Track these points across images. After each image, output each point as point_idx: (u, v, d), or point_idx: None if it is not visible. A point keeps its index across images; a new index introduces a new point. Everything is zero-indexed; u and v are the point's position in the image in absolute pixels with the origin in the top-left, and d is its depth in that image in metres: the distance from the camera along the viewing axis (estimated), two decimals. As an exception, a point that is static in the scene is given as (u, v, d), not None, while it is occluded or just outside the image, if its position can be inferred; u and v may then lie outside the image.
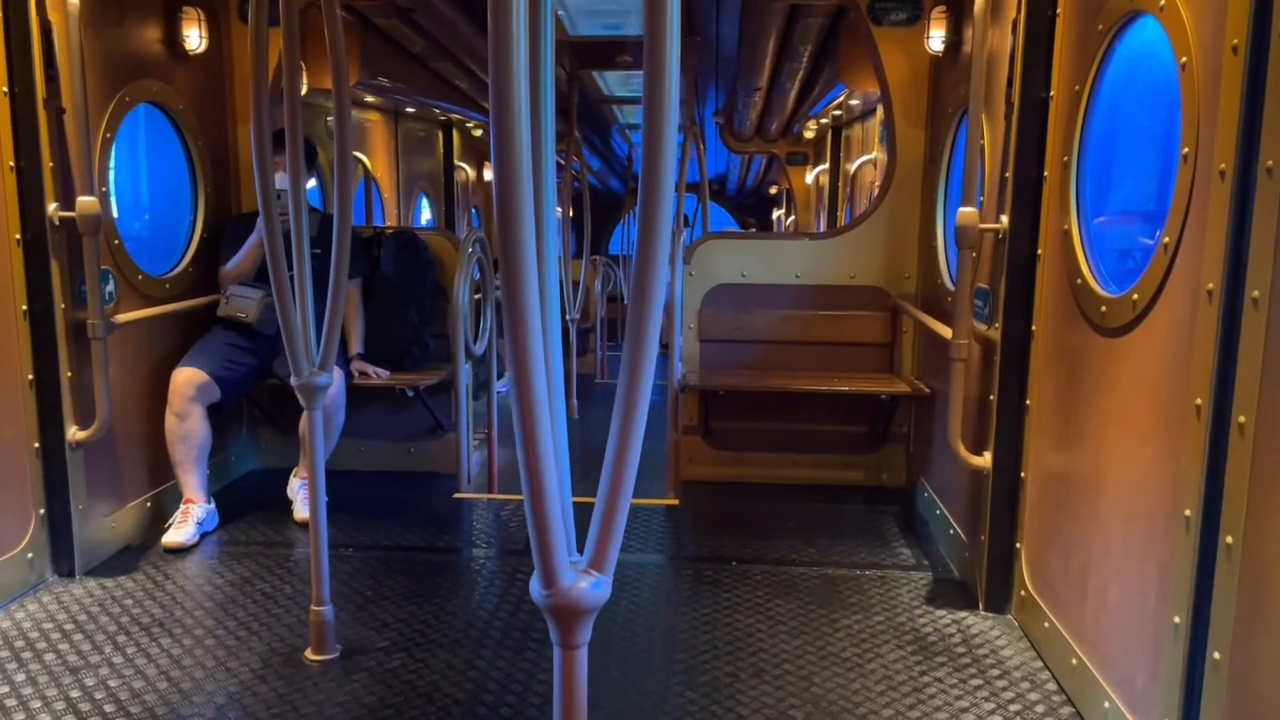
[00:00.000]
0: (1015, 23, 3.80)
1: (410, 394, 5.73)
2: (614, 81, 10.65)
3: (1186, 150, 2.58)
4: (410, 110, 11.31)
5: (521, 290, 1.24)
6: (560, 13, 7.36)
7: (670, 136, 1.21)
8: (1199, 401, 2.41)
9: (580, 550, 1.52)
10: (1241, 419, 2.25)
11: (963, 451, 4.11)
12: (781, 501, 5.69)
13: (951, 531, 4.69)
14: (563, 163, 9.93)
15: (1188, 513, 2.43)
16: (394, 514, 5.37)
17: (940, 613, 4.08)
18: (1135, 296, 2.87)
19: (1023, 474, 3.87)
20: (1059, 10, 3.60)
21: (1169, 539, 2.55)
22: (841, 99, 9.69)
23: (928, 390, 5.39)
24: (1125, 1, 2.99)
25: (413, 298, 5.80)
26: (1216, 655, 2.31)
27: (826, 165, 12.28)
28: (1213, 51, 2.45)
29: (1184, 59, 2.61)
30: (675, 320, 5.62)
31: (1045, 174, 3.66)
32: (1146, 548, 2.74)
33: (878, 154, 9.34)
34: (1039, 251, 3.72)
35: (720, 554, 4.78)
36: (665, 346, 5.55)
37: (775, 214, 20.48)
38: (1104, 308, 3.09)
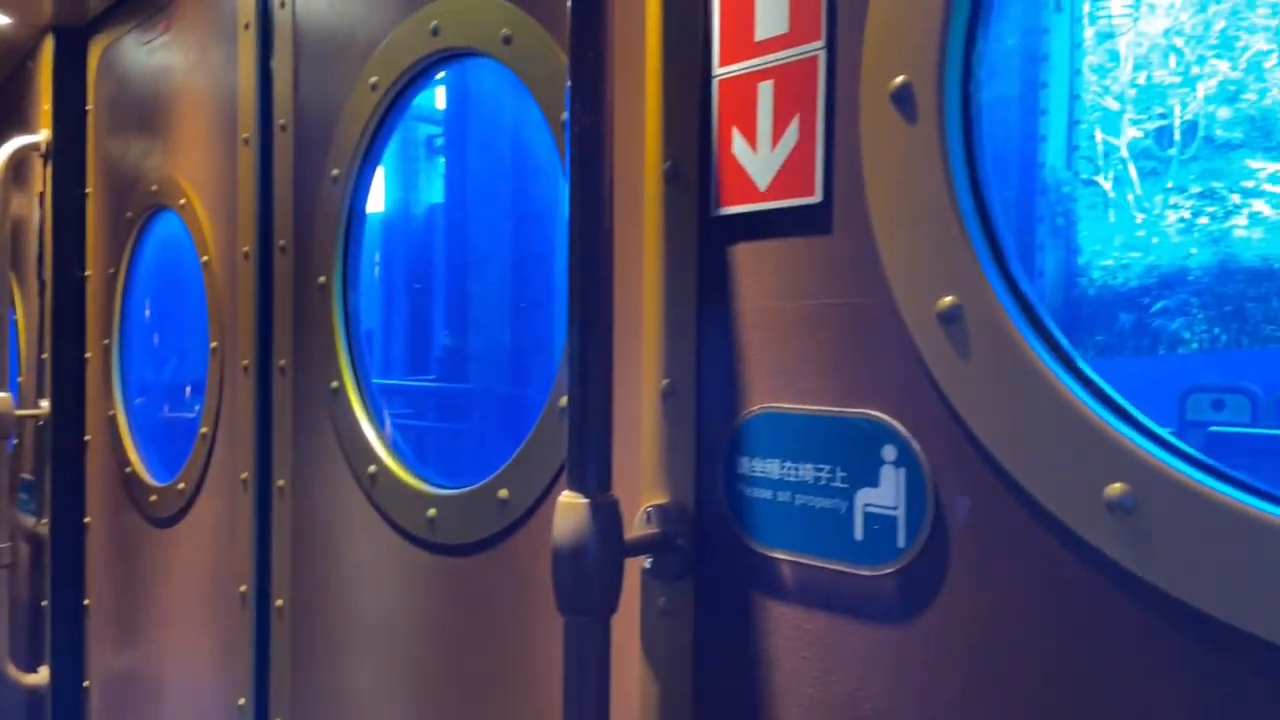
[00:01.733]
0: (42, 196, 3.56)
1: None
2: None
3: (215, 344, 2.69)
4: None
5: None
6: None
7: None
8: (244, 588, 2.47)
9: None
10: (279, 602, 2.37)
11: (12, 670, 3.52)
12: None
13: (9, 769, 3.95)
14: None
15: (241, 701, 2.44)
16: None
17: None
18: (181, 486, 2.85)
19: (86, 683, 3.48)
20: (89, 190, 3.49)
21: (230, 732, 2.53)
22: None
23: (-29, 600, 4.53)
24: (149, 194, 3.04)
25: None
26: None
27: None
28: (229, 254, 2.62)
29: (205, 258, 2.74)
30: None
31: (88, 355, 3.45)
32: (212, 744, 2.68)
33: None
34: (87, 438, 3.47)
35: None
36: None
37: None
38: (154, 497, 3.00)
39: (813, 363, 1.23)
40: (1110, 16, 9.92)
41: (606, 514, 1.25)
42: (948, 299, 1.07)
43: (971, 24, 1.08)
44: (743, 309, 1.31)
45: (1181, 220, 12.07)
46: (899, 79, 1.11)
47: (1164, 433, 0.96)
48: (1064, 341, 1.03)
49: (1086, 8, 9.99)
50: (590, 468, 1.26)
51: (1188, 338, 10.67)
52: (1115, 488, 0.95)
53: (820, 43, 1.19)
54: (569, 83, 1.26)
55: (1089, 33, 10.57)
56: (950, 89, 1.07)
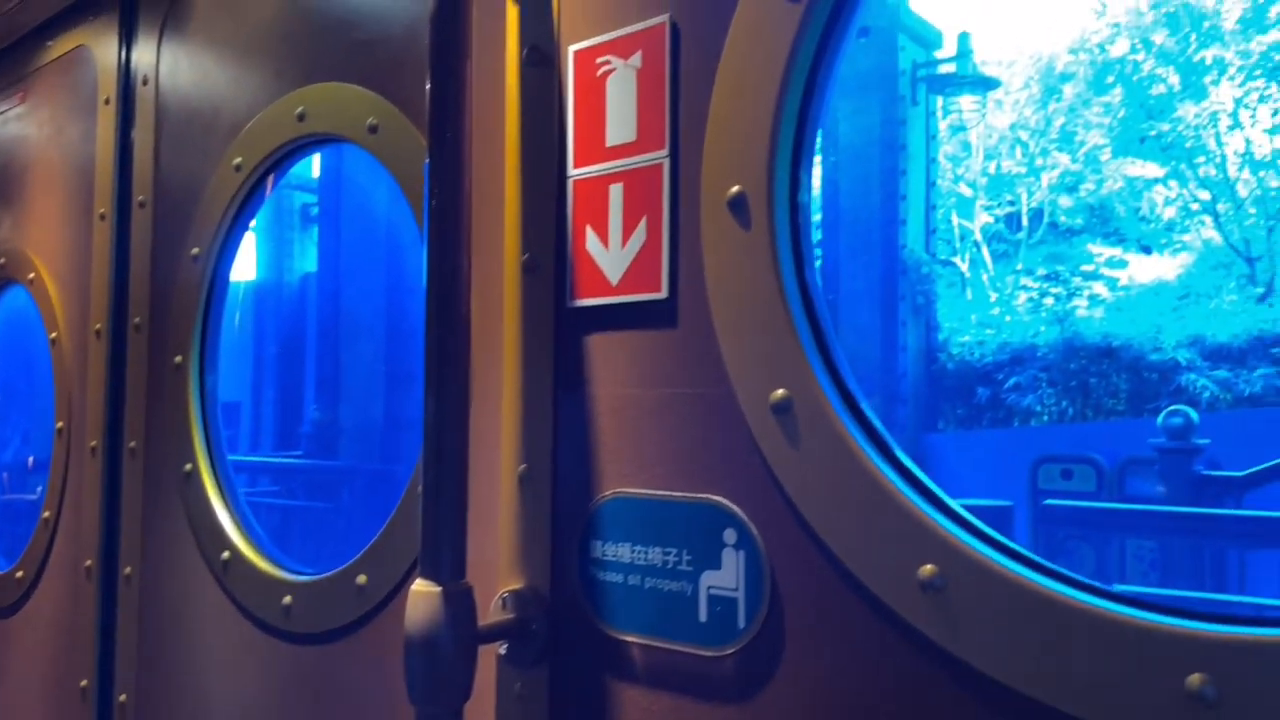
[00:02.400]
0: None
1: None
2: None
3: (61, 424, 2.58)
4: None
5: None
6: None
7: None
8: (85, 683, 2.34)
9: None
10: (123, 697, 2.25)
11: None
12: None
13: None
14: None
15: (78, 809, 2.29)
16: None
17: None
18: (20, 574, 2.68)
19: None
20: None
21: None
22: None
23: None
24: (-6, 267, 2.91)
25: None
26: None
27: None
28: (80, 331, 2.53)
29: (54, 334, 2.64)
30: None
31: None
32: None
33: None
34: (-87, 523, 3.23)
35: None
36: None
37: None
38: (-12, 587, 2.81)
39: (661, 449, 1.28)
40: (961, 111, 10.67)
41: (459, 602, 1.27)
42: (780, 391, 1.15)
43: (798, 140, 1.18)
44: (596, 396, 1.36)
45: (1030, 300, 12.90)
46: (735, 188, 1.20)
47: (969, 516, 1.05)
48: (883, 430, 1.12)
49: (940, 101, 10.75)
50: (443, 555, 1.28)
51: (1039, 410, 11.35)
52: (927, 569, 1.02)
53: (664, 151, 1.28)
54: (426, 172, 1.31)
55: (943, 125, 11.34)
56: (779, 198, 1.17)
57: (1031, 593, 0.97)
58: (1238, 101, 13.69)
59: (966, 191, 15.08)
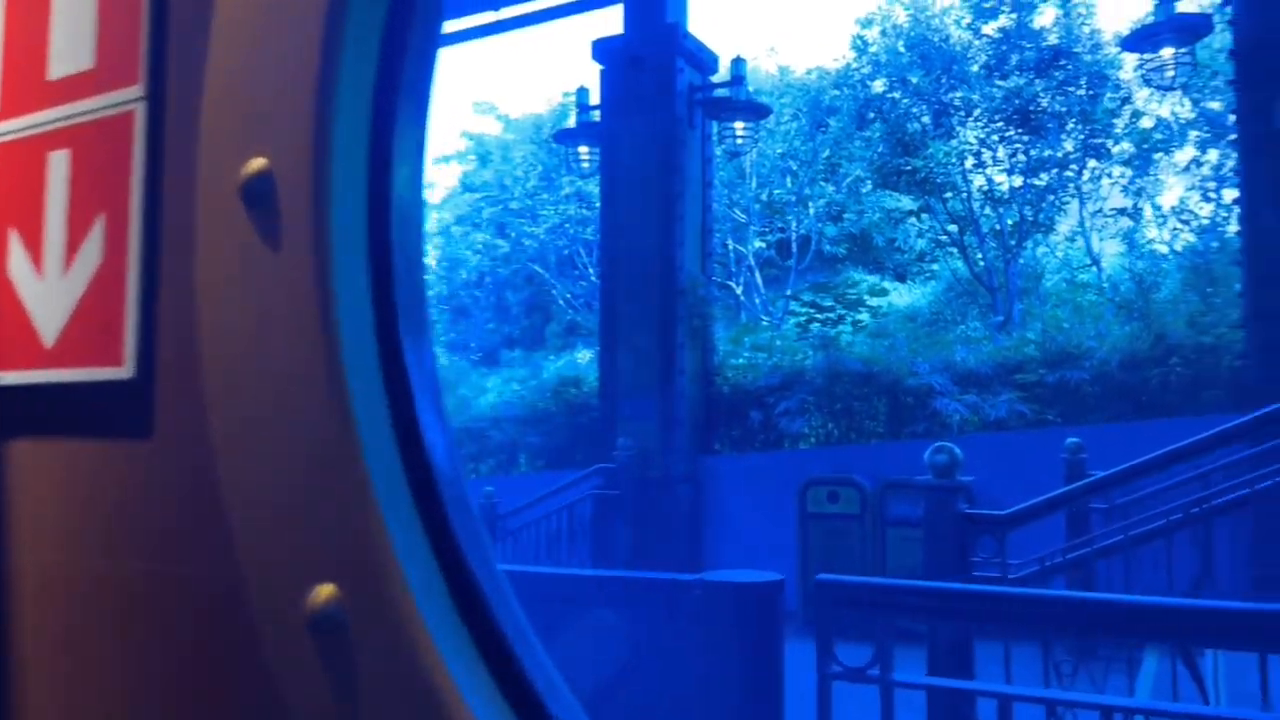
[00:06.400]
0: None
1: None
2: None
3: None
4: None
5: None
6: None
7: None
8: None
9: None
10: None
11: None
12: None
13: None
14: None
15: None
16: None
17: None
18: None
19: None
20: None
21: None
22: None
23: None
24: None
25: None
26: None
27: None
28: None
29: None
30: None
31: None
32: None
33: None
34: None
35: None
36: None
37: None
38: None
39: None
40: (735, 136, 10.60)
41: None
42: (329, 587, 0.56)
43: (386, 74, 0.60)
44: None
45: (798, 325, 13.12)
46: (258, 161, 0.60)
47: None
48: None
49: (715, 128, 10.65)
50: None
51: (807, 433, 11.46)
52: None
53: (138, 89, 0.66)
54: None
55: (718, 150, 11.27)
56: (339, 185, 0.58)
57: None
58: (980, 141, 14.56)
59: (741, 216, 15.18)
